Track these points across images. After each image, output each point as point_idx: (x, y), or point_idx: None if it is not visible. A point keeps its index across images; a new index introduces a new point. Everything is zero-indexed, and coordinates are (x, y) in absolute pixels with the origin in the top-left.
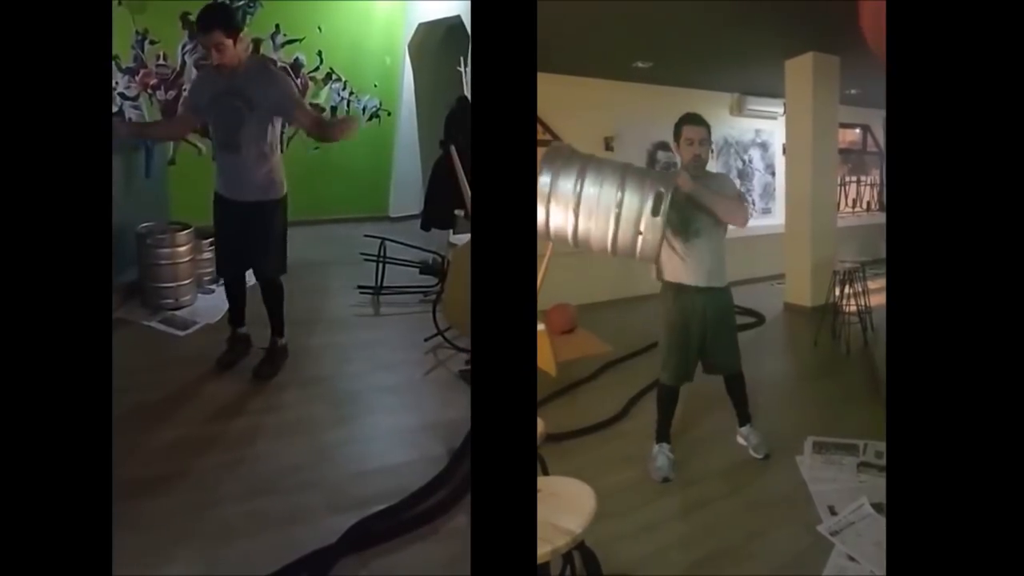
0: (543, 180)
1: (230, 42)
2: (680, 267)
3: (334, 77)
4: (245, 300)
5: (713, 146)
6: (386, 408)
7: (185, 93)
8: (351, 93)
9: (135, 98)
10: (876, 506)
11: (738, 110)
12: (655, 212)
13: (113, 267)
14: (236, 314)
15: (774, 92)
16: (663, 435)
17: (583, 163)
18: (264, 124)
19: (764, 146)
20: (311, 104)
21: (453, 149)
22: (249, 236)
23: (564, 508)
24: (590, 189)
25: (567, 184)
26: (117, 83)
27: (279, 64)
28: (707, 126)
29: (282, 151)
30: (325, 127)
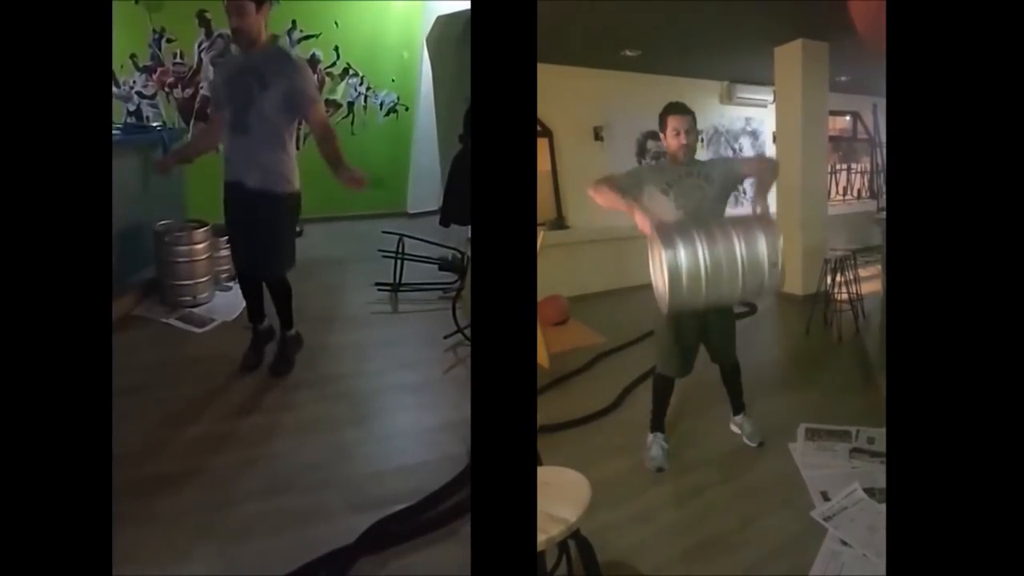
0: (668, 255)
1: (252, 6)
2: None
3: (351, 72)
4: (262, 296)
5: (703, 135)
6: (405, 407)
7: (203, 91)
8: (368, 88)
9: (152, 96)
10: (868, 491)
11: (728, 98)
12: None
13: (131, 265)
14: (254, 311)
15: (763, 80)
16: (657, 425)
17: (694, 228)
18: (277, 109)
19: (754, 134)
20: (327, 100)
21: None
22: (255, 230)
23: (559, 497)
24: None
25: (691, 251)
26: (135, 81)
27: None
28: (692, 114)
29: (298, 148)
30: (335, 145)
